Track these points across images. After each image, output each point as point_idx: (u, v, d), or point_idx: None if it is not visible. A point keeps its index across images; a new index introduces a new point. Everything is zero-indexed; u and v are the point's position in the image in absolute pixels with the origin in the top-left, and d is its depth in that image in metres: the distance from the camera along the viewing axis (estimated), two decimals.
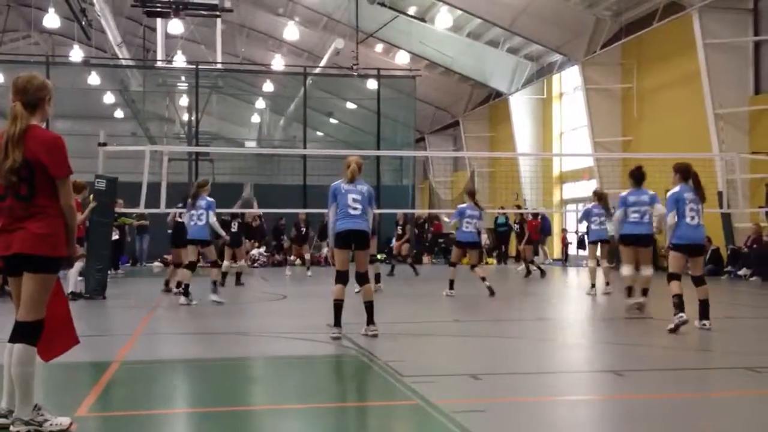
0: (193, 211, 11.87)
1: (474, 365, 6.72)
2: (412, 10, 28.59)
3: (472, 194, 13.60)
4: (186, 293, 11.84)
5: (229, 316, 10.91)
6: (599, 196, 13.66)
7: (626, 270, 10.53)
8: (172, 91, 32.24)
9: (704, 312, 8.67)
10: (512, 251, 26.75)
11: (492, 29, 27.78)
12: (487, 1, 24.66)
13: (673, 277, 8.78)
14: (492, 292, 12.94)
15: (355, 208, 8.12)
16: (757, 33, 19.17)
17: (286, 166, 28.34)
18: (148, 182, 14.29)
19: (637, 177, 10.44)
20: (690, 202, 8.71)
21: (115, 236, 18.24)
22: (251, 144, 37.48)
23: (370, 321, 8.22)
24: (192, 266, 11.99)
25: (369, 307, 8.24)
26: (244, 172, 28.51)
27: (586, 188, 25.19)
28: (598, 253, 13.69)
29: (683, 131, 20.79)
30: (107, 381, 6.03)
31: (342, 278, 8.16)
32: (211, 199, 11.97)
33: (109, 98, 35.02)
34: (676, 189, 8.87)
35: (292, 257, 22.26)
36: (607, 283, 13.52)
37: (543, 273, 18.52)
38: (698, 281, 8.74)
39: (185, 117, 32.39)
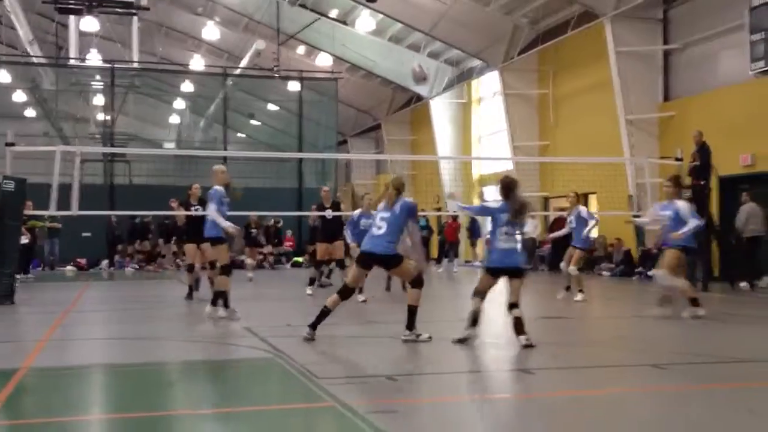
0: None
1: (391, 366, 6.78)
2: (333, 13, 28.59)
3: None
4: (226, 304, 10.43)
5: (145, 320, 10.70)
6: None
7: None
8: (86, 91, 31.36)
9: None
10: (434, 253, 27.01)
11: (413, 33, 28.01)
12: (408, 5, 24.87)
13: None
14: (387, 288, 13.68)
15: (379, 227, 8.01)
16: (667, 42, 19.86)
17: (206, 168, 27.76)
18: (60, 184, 13.84)
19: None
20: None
21: (26, 240, 17.64)
22: (170, 145, 36.77)
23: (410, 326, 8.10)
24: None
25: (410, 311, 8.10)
26: (162, 173, 27.98)
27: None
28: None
29: (597, 136, 21.39)
30: (14, 388, 5.84)
31: (345, 293, 8.07)
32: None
33: (19, 97, 33.84)
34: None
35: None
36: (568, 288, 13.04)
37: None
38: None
39: (100, 117, 31.57)
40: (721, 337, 9.09)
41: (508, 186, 8.15)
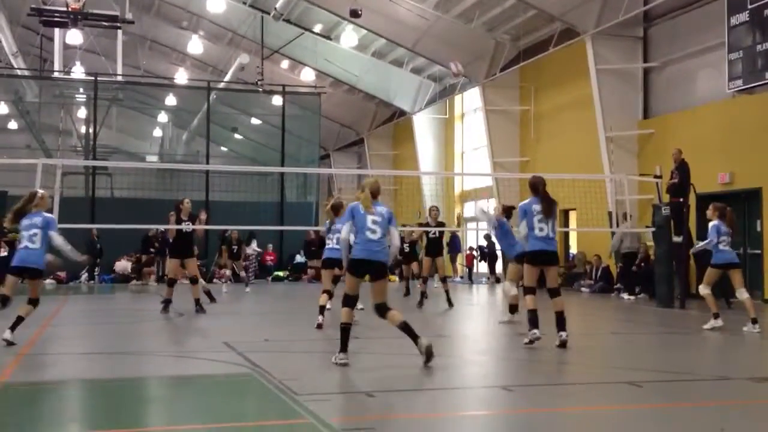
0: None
1: (370, 383, 6.79)
2: (317, 28, 28.72)
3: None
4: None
5: (123, 335, 10.66)
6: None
7: (511, 288, 11.13)
8: (69, 103, 31.27)
9: (561, 323, 8.79)
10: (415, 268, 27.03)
11: (396, 49, 28.18)
12: (391, 21, 25.02)
13: (528, 291, 9.03)
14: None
15: (374, 231, 7.65)
16: (647, 60, 20.11)
17: (189, 182, 27.81)
18: None
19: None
20: (537, 214, 8.95)
21: (5, 252, 17.53)
22: (153, 158, 36.71)
23: (414, 337, 7.66)
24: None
25: (404, 327, 7.70)
26: (144, 186, 27.91)
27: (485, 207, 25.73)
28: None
29: (577, 153, 21.58)
30: None
31: (350, 302, 7.73)
32: (50, 216, 9.66)
33: (2, 109, 33.69)
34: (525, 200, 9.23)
35: (226, 272, 21.94)
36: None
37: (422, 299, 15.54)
38: (554, 293, 8.95)
39: (83, 130, 31.47)
40: (696, 355, 9.17)
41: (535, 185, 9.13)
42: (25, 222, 9.30)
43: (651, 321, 13.00)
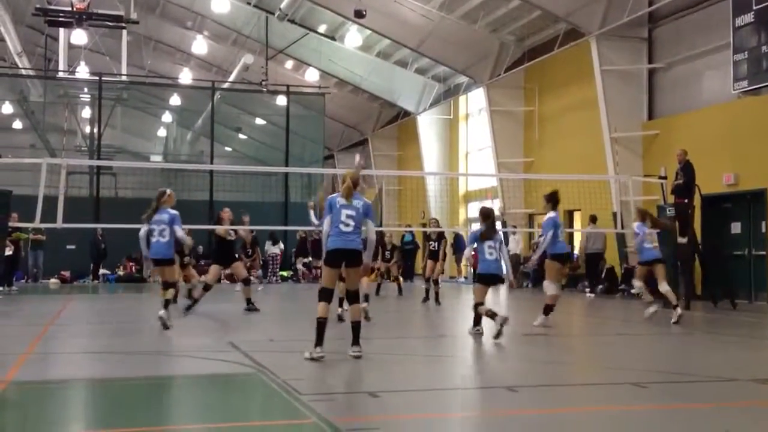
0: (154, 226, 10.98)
1: (373, 383, 6.79)
2: (322, 28, 28.73)
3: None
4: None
5: (128, 334, 10.67)
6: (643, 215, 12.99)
7: (552, 288, 11.39)
8: (73, 103, 31.31)
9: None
10: (419, 269, 27.05)
11: (401, 50, 28.18)
12: (396, 22, 25.01)
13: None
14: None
15: (347, 225, 7.93)
16: (651, 61, 20.07)
17: (193, 182, 27.88)
18: (46, 196, 13.80)
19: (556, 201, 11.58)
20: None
21: (9, 251, 17.56)
22: (157, 158, 36.73)
23: (356, 342, 7.97)
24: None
25: (355, 327, 8.01)
26: (149, 186, 27.84)
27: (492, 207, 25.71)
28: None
29: (581, 154, 21.55)
30: None
31: (326, 295, 7.96)
32: (174, 212, 10.97)
33: (6, 108, 33.74)
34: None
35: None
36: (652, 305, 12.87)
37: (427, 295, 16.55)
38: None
39: (87, 129, 31.51)
40: (701, 356, 9.16)
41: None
42: (156, 218, 10.81)
43: (656, 322, 12.96)
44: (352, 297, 8.10)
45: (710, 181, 16.56)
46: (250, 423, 5.48)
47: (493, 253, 9.99)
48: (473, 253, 12.00)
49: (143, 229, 11.38)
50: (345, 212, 7.93)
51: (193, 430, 5.17)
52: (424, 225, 25.76)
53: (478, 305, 9.96)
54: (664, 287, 12.19)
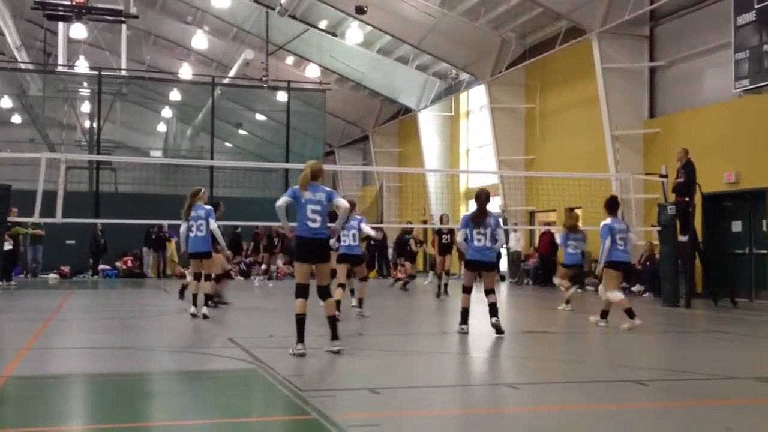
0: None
1: (374, 379, 6.77)
2: (323, 24, 28.67)
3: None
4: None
5: (128, 329, 10.65)
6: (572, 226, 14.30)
7: (617, 295, 11.05)
8: (73, 98, 31.25)
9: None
10: (419, 266, 27.03)
11: (402, 46, 28.13)
12: (397, 18, 24.97)
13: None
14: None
15: (314, 220, 7.93)
16: (653, 59, 20.04)
17: (193, 177, 27.77)
18: (45, 191, 13.76)
19: (612, 206, 11.37)
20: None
21: (8, 246, 17.52)
22: (156, 153, 36.68)
23: (334, 336, 7.99)
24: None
25: (332, 322, 8.03)
26: (148, 182, 27.86)
27: (491, 206, 25.70)
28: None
29: (582, 151, 21.52)
30: None
31: (302, 291, 7.97)
32: (209, 207, 11.59)
33: (5, 103, 33.68)
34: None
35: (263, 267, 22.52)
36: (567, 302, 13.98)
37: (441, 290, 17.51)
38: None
39: (87, 124, 31.45)
40: (702, 354, 9.14)
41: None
42: (192, 214, 11.32)
43: (656, 319, 12.95)
44: (324, 292, 8.14)
45: (711, 179, 16.54)
46: (250, 419, 5.46)
47: (481, 239, 9.84)
48: None
49: (183, 225, 11.58)
50: (310, 207, 7.95)
51: (192, 426, 5.15)
52: (424, 222, 25.72)
53: (465, 289, 10.09)
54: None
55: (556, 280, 14.47)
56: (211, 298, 11.88)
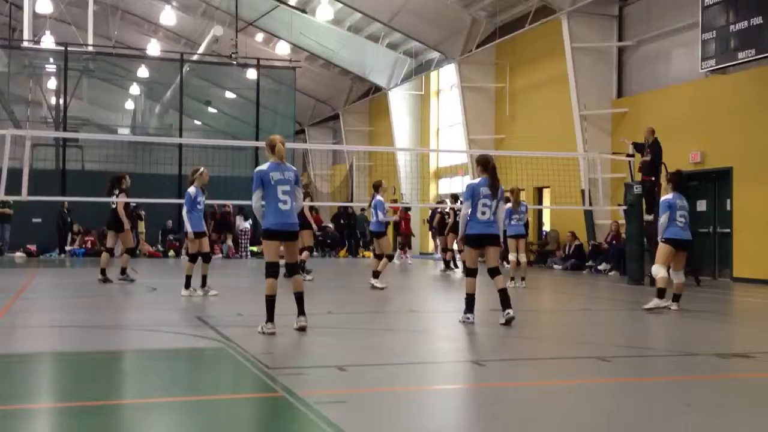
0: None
1: (342, 357, 6.82)
2: (293, 1, 28.45)
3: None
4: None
5: (96, 308, 10.59)
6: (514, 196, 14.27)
7: (663, 271, 10.62)
8: (39, 74, 30.73)
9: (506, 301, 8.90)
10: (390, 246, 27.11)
11: (372, 24, 28.01)
12: None
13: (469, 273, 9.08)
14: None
15: (285, 202, 7.87)
16: (621, 39, 20.19)
17: (162, 155, 27.55)
18: (10, 168, 13.60)
19: (678, 182, 10.88)
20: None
21: None
22: (124, 131, 36.25)
23: (301, 312, 8.03)
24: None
25: (299, 298, 8.05)
26: (116, 159, 27.53)
27: (461, 184, 25.85)
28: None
29: (552, 131, 21.67)
30: None
31: (272, 271, 7.95)
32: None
33: None
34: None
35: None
36: (512, 278, 14.10)
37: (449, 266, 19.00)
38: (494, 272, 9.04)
39: (53, 101, 30.98)
40: (664, 331, 9.31)
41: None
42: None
43: (622, 297, 13.16)
44: (292, 269, 8.15)
45: (677, 159, 16.74)
46: (218, 396, 5.49)
47: (486, 212, 8.81)
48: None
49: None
50: (281, 188, 7.87)
51: (160, 404, 5.16)
52: (394, 201, 25.77)
53: (469, 272, 9.04)
54: (522, 258, 14.20)
55: (512, 257, 14.27)
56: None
